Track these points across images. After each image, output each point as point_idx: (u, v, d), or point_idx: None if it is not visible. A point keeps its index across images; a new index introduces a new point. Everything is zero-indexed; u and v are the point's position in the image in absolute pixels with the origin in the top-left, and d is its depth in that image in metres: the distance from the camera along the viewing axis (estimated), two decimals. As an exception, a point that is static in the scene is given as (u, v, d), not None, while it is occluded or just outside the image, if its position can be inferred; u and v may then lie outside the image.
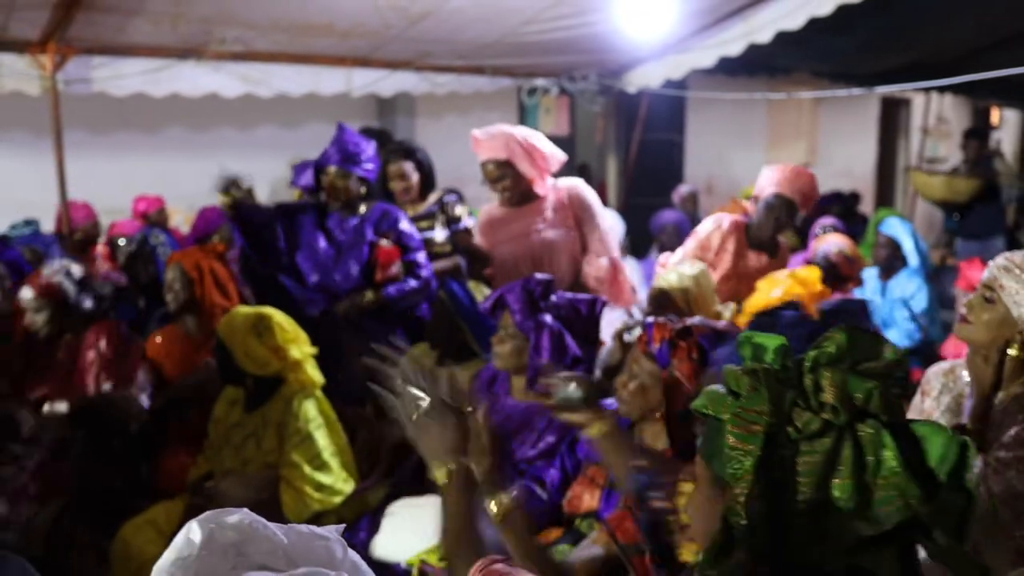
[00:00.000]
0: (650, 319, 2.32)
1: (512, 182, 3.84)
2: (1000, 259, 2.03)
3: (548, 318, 2.75)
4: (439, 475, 1.57)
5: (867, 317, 1.41)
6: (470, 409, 1.61)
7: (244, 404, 3.01)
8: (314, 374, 3.02)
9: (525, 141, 3.81)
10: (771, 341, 1.09)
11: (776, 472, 0.99)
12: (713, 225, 4.01)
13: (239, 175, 6.14)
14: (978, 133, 7.95)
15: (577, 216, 3.93)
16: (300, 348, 3.00)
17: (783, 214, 3.87)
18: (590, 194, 4.01)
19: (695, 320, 2.27)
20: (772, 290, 3.27)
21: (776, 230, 3.93)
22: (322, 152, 3.89)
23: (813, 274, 3.43)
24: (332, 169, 3.80)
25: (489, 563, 1.32)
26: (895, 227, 5.11)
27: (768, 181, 3.90)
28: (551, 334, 2.74)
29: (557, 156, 3.92)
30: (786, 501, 0.99)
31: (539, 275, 2.85)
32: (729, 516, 1.00)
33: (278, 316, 3.01)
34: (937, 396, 2.15)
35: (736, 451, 1.01)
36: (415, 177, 4.33)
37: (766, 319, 1.45)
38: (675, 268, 3.49)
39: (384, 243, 3.78)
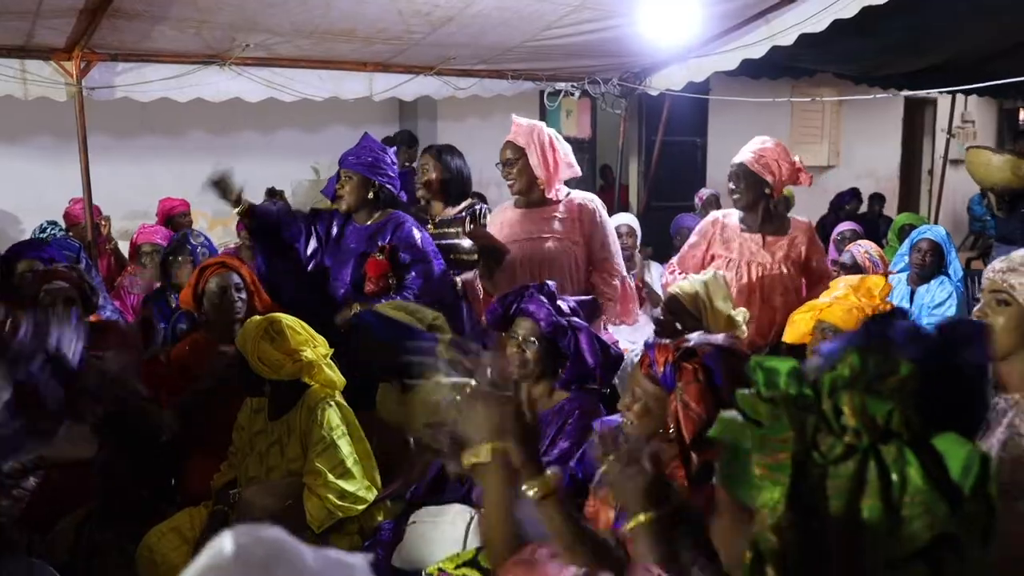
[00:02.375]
0: (650, 340, 2.31)
1: (518, 171, 3.86)
2: (998, 264, 2.05)
3: (579, 320, 2.79)
4: (481, 454, 1.50)
5: (986, 344, 1.36)
6: (509, 393, 1.56)
7: (268, 412, 3.01)
8: (333, 375, 3.02)
9: (547, 140, 3.85)
10: (783, 364, 1.07)
11: (805, 498, 0.98)
12: (705, 222, 4.17)
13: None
14: None
15: (587, 232, 3.92)
16: (314, 350, 2.99)
17: (741, 181, 3.91)
18: (602, 212, 4.02)
19: (694, 337, 2.23)
20: (833, 294, 3.18)
21: (747, 197, 3.92)
22: (341, 156, 3.93)
23: (880, 284, 3.29)
24: (341, 172, 3.87)
25: (532, 552, 1.28)
26: (939, 233, 5.05)
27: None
28: (589, 334, 2.78)
29: (572, 168, 3.94)
30: (817, 525, 0.97)
31: (549, 282, 2.89)
32: (761, 543, 0.99)
33: (288, 319, 3.01)
34: None
35: (765, 480, 1.00)
36: (433, 175, 4.35)
37: (877, 326, 1.39)
38: (688, 275, 3.50)
39: (377, 255, 3.76)
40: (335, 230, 3.94)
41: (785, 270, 3.90)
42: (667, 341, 2.25)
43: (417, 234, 3.88)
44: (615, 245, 4.02)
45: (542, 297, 2.87)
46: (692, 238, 4.17)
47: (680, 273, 3.98)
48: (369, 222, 3.89)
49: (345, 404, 2.99)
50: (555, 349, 2.85)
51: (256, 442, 2.99)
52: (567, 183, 4.03)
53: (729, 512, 1.10)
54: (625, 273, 4.07)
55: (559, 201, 3.92)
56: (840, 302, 3.03)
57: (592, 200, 4.00)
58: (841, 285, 3.16)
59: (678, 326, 3.20)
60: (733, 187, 3.95)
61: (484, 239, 3.91)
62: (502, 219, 4.05)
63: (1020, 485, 1.86)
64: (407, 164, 7.01)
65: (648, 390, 2.22)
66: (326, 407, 2.88)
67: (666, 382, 2.17)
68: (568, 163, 3.92)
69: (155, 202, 6.54)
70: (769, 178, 3.88)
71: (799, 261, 3.94)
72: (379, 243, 3.80)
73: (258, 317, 3.03)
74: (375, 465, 2.95)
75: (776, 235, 3.96)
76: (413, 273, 3.79)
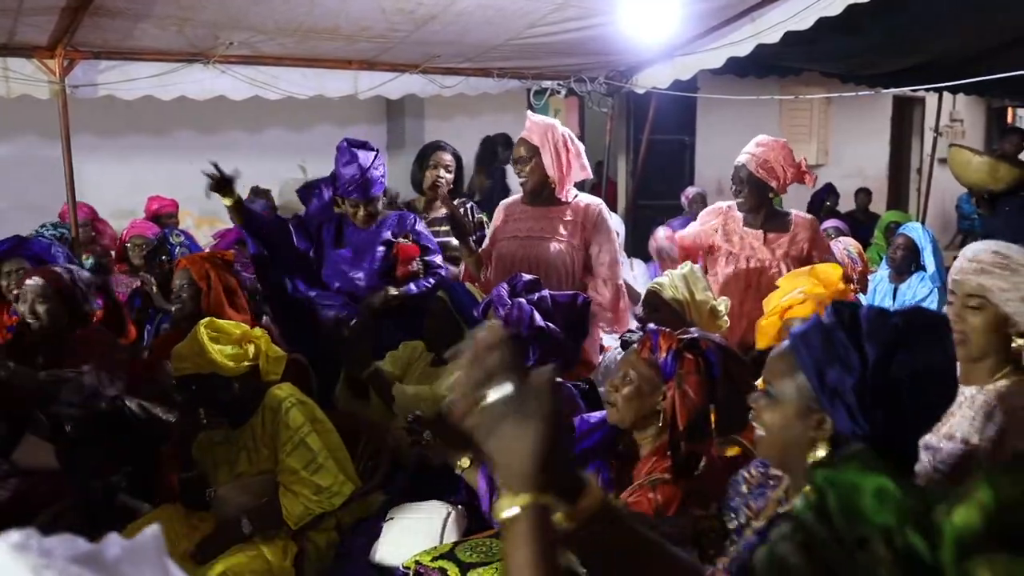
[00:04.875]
0: (653, 326, 2.32)
1: (530, 170, 3.83)
2: (967, 265, 2.04)
3: (523, 301, 2.80)
4: (502, 505, 1.00)
5: (949, 335, 1.41)
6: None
7: (228, 421, 2.99)
8: (278, 349, 3.05)
9: (562, 140, 3.82)
10: (865, 480, 0.77)
11: None
12: (713, 208, 4.22)
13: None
14: (1020, 131, 7.86)
15: (588, 237, 3.88)
16: (251, 330, 3.03)
17: (743, 184, 3.93)
18: (607, 216, 3.98)
19: (696, 330, 2.26)
20: (794, 288, 3.19)
21: (751, 201, 3.94)
22: (338, 179, 3.90)
23: (835, 271, 3.32)
24: (353, 201, 3.87)
25: None
26: (916, 230, 5.09)
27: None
28: (541, 308, 2.78)
29: (584, 171, 3.92)
30: None
31: (526, 275, 2.90)
32: None
33: (212, 319, 3.02)
34: None
35: None
36: (453, 172, 4.44)
37: (844, 307, 1.48)
38: (667, 271, 3.50)
39: (403, 241, 3.82)
40: (333, 231, 3.99)
41: (785, 268, 3.88)
42: (669, 330, 2.29)
43: (424, 228, 4.03)
44: (614, 252, 3.96)
45: (510, 284, 2.88)
46: (702, 215, 4.22)
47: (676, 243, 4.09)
48: (372, 224, 3.94)
49: (307, 399, 2.99)
50: (519, 340, 2.84)
51: (218, 453, 2.98)
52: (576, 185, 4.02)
53: None
54: (621, 281, 4.00)
55: (567, 203, 3.89)
56: (802, 297, 3.04)
57: (598, 204, 3.96)
58: (797, 290, 3.17)
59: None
60: (736, 189, 3.96)
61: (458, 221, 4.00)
62: (507, 211, 4.03)
63: None
64: (502, 166, 7.20)
65: (644, 374, 2.24)
66: (289, 407, 2.87)
67: (665, 369, 2.19)
68: (581, 165, 3.89)
69: (142, 201, 6.54)
70: (773, 183, 3.90)
71: (800, 258, 3.94)
72: (401, 233, 3.91)
73: (191, 333, 2.95)
74: (348, 456, 2.95)
75: (778, 232, 3.97)
76: (436, 259, 3.93)
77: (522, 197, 3.99)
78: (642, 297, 3.58)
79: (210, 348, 2.83)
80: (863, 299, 4.63)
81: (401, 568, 2.49)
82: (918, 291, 4.88)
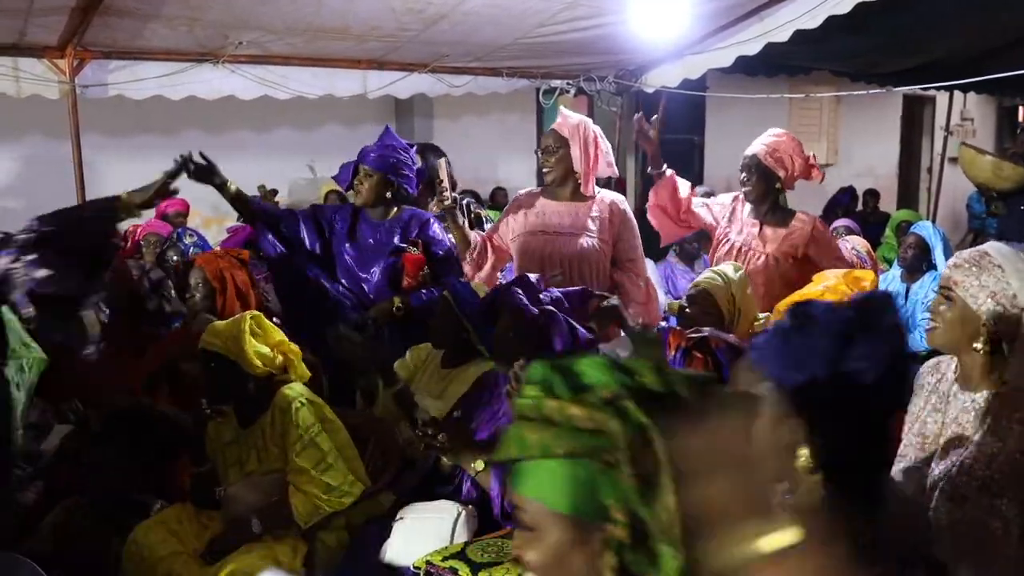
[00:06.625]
0: (664, 324, 2.32)
1: (556, 160, 3.85)
2: (951, 259, 2.08)
3: (552, 308, 2.81)
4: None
5: (895, 311, 1.52)
6: None
7: (238, 419, 2.99)
8: (303, 367, 3.04)
9: (592, 136, 3.88)
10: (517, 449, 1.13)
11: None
12: (730, 196, 4.25)
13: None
14: None
15: (616, 232, 3.90)
16: (288, 343, 3.02)
17: (752, 174, 3.94)
18: (631, 213, 4.01)
19: (708, 330, 2.25)
20: (820, 284, 3.20)
21: (757, 190, 3.95)
22: (362, 149, 3.88)
23: (869, 277, 3.30)
24: (361, 167, 3.80)
25: None
26: (927, 229, 5.07)
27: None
28: (559, 320, 2.78)
29: (611, 167, 4.00)
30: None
31: (530, 275, 2.91)
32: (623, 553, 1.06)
33: (261, 315, 3.02)
34: (926, 395, 2.12)
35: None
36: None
37: (801, 307, 1.55)
38: (720, 271, 3.45)
39: (412, 250, 3.76)
40: (347, 224, 3.91)
41: (773, 261, 3.89)
42: (679, 328, 2.28)
43: (441, 231, 3.90)
44: (640, 248, 4.00)
45: (518, 289, 2.87)
46: (719, 197, 4.29)
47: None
48: (387, 218, 3.84)
49: (317, 398, 2.98)
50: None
51: (228, 452, 2.97)
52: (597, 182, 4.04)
53: (559, 535, 1.13)
54: (648, 275, 4.04)
55: (592, 198, 3.91)
56: (829, 292, 3.03)
57: (622, 201, 4.01)
58: (831, 276, 3.17)
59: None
60: (745, 178, 3.97)
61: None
62: (524, 203, 3.99)
63: (998, 481, 1.86)
64: None
65: None
66: (299, 407, 2.86)
67: (674, 367, 2.18)
68: (608, 161, 3.95)
69: (150, 201, 6.54)
70: (781, 173, 3.91)
71: (791, 253, 3.92)
72: (412, 236, 3.81)
73: (236, 317, 2.98)
74: (357, 455, 2.94)
75: (775, 226, 3.97)
76: (446, 268, 3.81)
77: (542, 190, 4.00)
78: (686, 295, 3.56)
79: (247, 339, 2.84)
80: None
81: (411, 568, 2.48)
82: (930, 290, 4.86)
